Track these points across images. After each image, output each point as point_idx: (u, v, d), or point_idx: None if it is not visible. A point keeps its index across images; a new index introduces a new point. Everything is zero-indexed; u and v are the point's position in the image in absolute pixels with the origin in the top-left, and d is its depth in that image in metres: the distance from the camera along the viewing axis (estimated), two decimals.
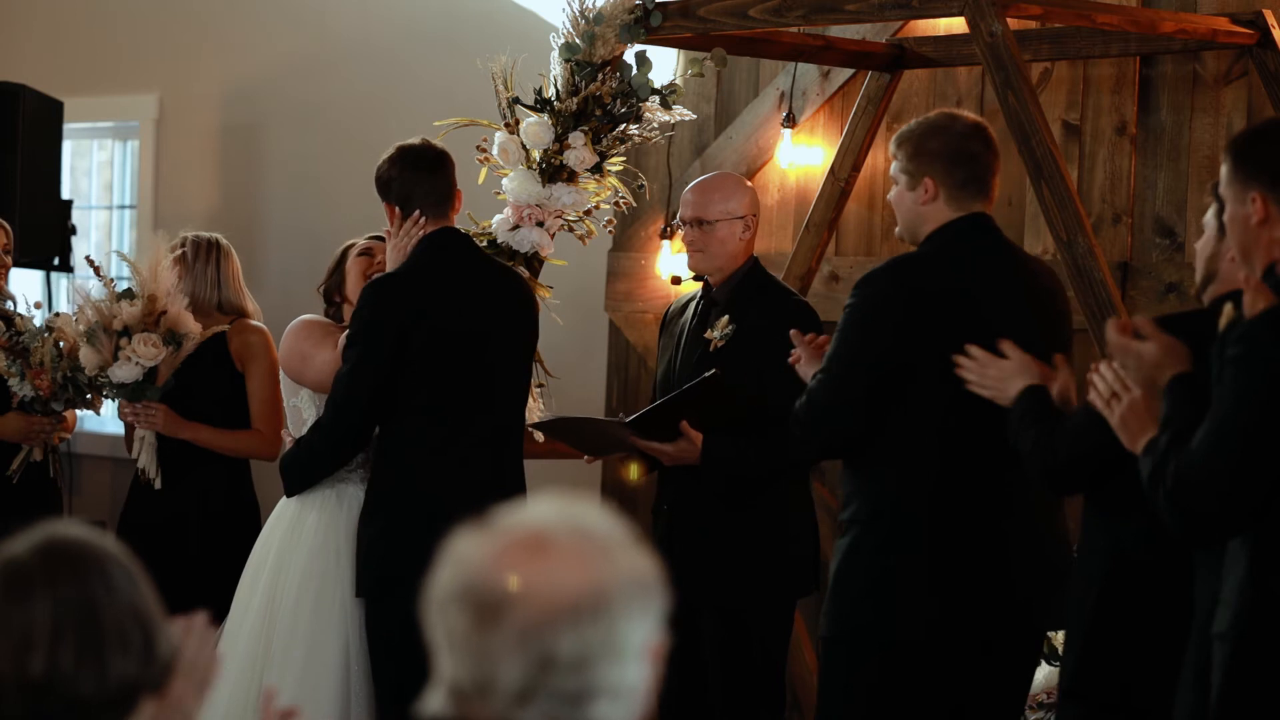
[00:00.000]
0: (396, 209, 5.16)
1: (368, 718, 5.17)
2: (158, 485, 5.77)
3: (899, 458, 4.29)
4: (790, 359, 4.61)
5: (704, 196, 5.22)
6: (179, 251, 5.89)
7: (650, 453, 5.11)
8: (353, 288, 5.37)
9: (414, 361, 5.05)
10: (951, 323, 4.25)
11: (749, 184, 5.38)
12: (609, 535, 2.08)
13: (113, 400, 5.98)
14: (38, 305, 6.16)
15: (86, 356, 5.72)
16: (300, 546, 5.22)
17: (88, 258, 5.91)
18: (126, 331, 5.66)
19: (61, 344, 5.91)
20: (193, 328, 5.72)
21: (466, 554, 2.07)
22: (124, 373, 5.66)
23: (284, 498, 5.32)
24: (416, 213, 5.15)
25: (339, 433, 5.15)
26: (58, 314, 6.02)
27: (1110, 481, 3.84)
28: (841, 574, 4.37)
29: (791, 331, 4.65)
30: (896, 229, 4.49)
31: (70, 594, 2.24)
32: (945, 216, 4.35)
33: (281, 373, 5.45)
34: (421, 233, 5.15)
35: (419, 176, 5.15)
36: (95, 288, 5.81)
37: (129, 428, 5.95)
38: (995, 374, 4.11)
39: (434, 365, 5.07)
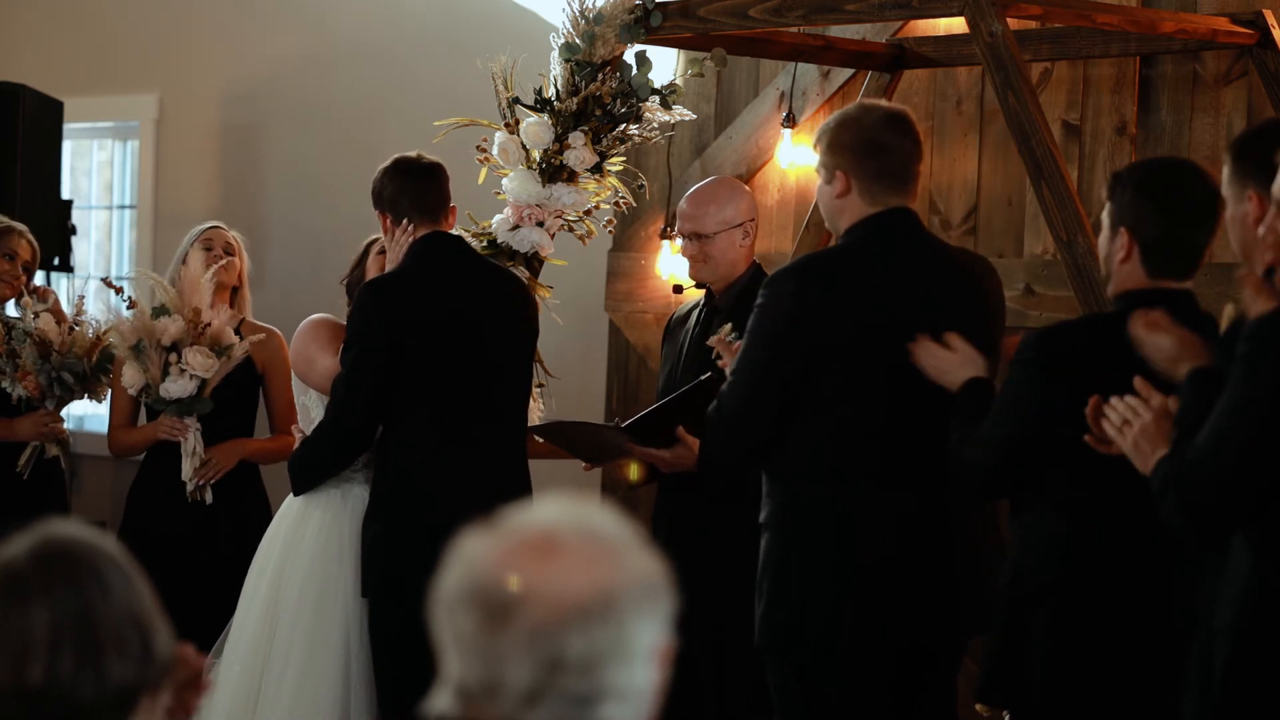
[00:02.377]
0: (388, 217, 5.20)
1: (367, 718, 5.17)
2: (209, 501, 5.76)
3: (808, 460, 4.23)
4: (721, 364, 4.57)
5: (700, 209, 5.18)
6: (226, 257, 5.89)
7: (647, 459, 5.09)
8: None
9: (410, 362, 5.06)
10: (858, 322, 4.20)
11: (745, 188, 5.32)
12: (617, 537, 2.08)
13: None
14: (26, 304, 6.12)
15: (130, 375, 5.69)
16: (304, 545, 5.23)
17: (105, 279, 5.91)
18: (175, 347, 5.65)
19: (52, 343, 5.90)
20: (232, 338, 5.73)
21: (474, 554, 2.07)
22: (178, 387, 5.65)
23: (290, 496, 5.33)
24: (405, 220, 5.17)
25: (339, 435, 5.15)
26: (37, 314, 6.00)
27: (1025, 485, 3.88)
28: (761, 578, 4.32)
29: (712, 339, 4.61)
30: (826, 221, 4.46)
31: (66, 601, 2.23)
32: (861, 210, 4.27)
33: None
34: (410, 239, 5.17)
35: (408, 184, 5.17)
36: (116, 305, 5.78)
37: (125, 433, 5.97)
38: (938, 364, 4.10)
39: (429, 366, 5.08)
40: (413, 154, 5.27)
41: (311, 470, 5.23)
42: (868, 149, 4.25)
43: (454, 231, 5.35)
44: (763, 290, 4.27)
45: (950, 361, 4.08)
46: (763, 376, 4.23)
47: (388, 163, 5.25)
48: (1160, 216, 3.80)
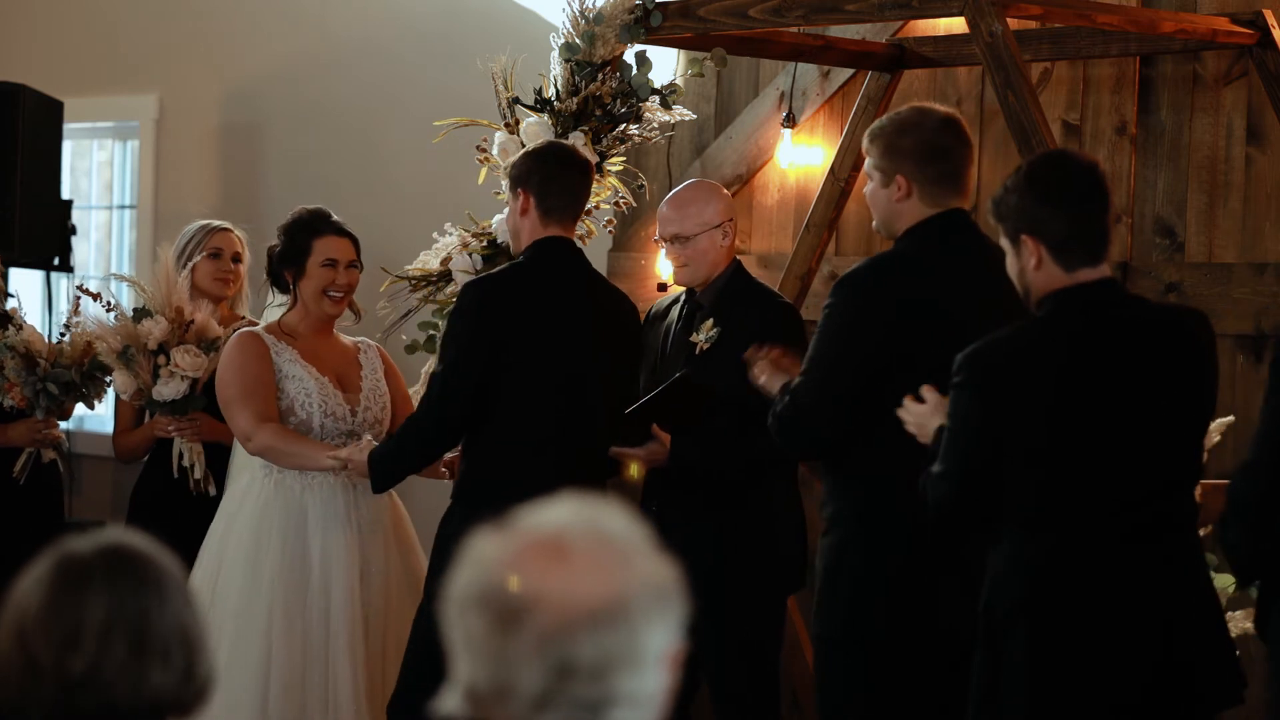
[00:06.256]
0: (531, 197, 5.03)
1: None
2: (213, 492, 5.70)
3: (882, 459, 4.26)
4: (754, 371, 4.54)
5: (679, 211, 5.19)
6: (235, 265, 5.93)
7: (622, 457, 5.11)
8: None
9: (502, 370, 4.95)
10: (931, 323, 4.23)
11: (722, 189, 5.36)
12: (628, 540, 2.06)
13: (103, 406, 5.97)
14: (12, 311, 6.08)
15: (121, 381, 5.67)
16: (233, 541, 5.23)
17: (81, 287, 5.88)
18: (162, 349, 5.63)
19: (39, 354, 5.86)
20: (217, 330, 5.72)
21: (486, 556, 2.06)
22: (170, 389, 5.62)
23: (230, 490, 5.35)
24: (534, 204, 5.04)
25: (432, 431, 5.02)
26: (20, 327, 5.96)
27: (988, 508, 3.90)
28: (829, 572, 4.36)
29: (749, 352, 4.59)
30: (874, 222, 4.47)
31: (126, 596, 2.25)
32: (921, 212, 4.32)
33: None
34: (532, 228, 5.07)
35: (560, 169, 5.04)
36: (97, 311, 5.77)
37: (127, 437, 5.97)
38: (915, 419, 4.09)
39: (522, 375, 4.98)
40: (567, 143, 5.15)
41: (398, 464, 5.07)
42: (929, 154, 4.29)
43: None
44: (837, 289, 4.30)
45: (923, 414, 4.06)
46: (837, 374, 4.26)
47: (540, 143, 5.13)
48: (1056, 210, 3.83)
